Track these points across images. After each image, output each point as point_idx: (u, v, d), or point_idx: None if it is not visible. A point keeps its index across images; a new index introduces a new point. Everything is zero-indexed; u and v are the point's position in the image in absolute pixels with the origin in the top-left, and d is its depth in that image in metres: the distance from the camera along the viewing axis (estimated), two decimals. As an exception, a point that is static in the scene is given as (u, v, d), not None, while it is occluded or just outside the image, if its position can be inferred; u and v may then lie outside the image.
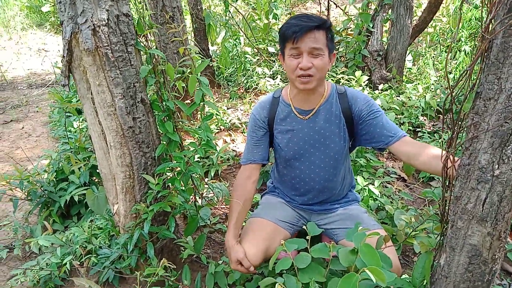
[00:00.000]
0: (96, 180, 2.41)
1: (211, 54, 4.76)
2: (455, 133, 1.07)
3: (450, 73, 4.49)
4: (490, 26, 0.88)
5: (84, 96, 1.49)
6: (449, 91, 0.99)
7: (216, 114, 3.59)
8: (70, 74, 1.47)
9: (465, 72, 0.93)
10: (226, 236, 1.63)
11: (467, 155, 1.03)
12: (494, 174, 0.97)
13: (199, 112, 1.72)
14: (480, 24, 0.88)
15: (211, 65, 4.52)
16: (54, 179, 2.39)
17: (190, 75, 1.56)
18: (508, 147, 0.93)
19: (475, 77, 0.99)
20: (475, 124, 0.98)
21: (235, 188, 1.74)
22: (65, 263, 1.78)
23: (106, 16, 1.33)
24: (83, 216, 2.36)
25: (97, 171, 1.73)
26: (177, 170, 1.60)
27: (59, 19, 1.37)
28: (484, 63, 0.93)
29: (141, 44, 1.50)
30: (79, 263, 1.79)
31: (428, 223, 1.73)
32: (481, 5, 0.88)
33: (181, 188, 1.66)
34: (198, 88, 1.61)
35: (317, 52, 1.45)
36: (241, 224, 1.71)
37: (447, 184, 1.19)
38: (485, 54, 0.92)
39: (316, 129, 1.64)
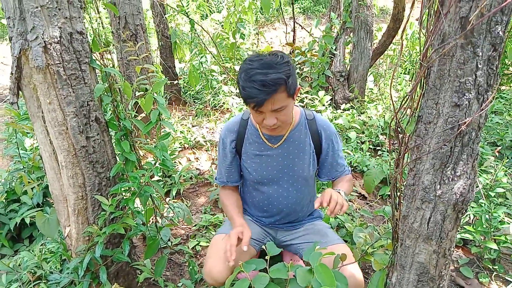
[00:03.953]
0: (51, 201, 2.30)
1: (177, 72, 4.75)
2: (402, 154, 1.11)
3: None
4: (428, 54, 0.94)
5: (34, 114, 1.43)
6: (393, 115, 1.04)
7: (180, 132, 3.56)
8: (20, 92, 1.41)
9: (406, 97, 0.98)
10: (235, 221, 1.64)
11: (411, 175, 1.07)
12: (437, 194, 1.01)
13: (157, 132, 1.70)
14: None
15: (176, 83, 4.50)
16: (4, 200, 2.27)
17: (147, 94, 1.55)
18: (448, 168, 0.98)
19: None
20: (417, 146, 1.02)
21: (223, 198, 1.78)
22: (11, 291, 1.67)
23: (58, 33, 1.30)
24: (35, 239, 2.24)
25: (50, 192, 1.66)
26: (132, 190, 1.56)
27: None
28: (423, 88, 0.98)
29: (96, 62, 1.48)
30: (26, 290, 1.69)
31: (384, 240, 1.77)
32: (419, 34, 0.93)
33: (136, 209, 1.62)
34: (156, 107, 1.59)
35: (280, 109, 1.41)
36: (242, 213, 1.73)
37: (396, 203, 1.23)
38: (424, 80, 0.97)
39: (285, 155, 1.64)
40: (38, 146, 2.65)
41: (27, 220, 2.11)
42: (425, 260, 1.11)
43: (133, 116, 1.63)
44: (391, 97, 0.98)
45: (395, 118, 1.03)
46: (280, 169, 1.65)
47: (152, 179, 1.59)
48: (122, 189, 1.55)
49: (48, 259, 1.82)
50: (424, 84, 0.98)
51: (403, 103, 1.00)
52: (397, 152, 1.16)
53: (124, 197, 1.61)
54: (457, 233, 1.10)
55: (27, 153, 2.53)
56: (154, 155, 1.61)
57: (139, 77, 1.57)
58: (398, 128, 1.08)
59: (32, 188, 2.17)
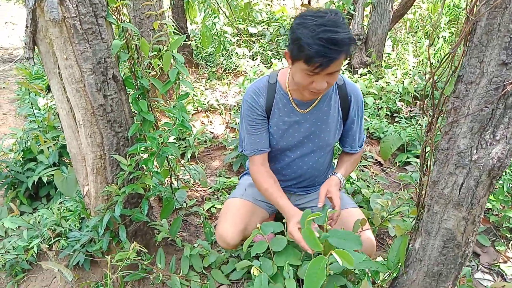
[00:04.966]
0: (67, 161, 2.31)
1: (189, 33, 4.62)
2: (435, 117, 1.06)
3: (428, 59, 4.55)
4: (475, 7, 0.86)
5: (50, 70, 1.39)
6: (430, 75, 0.97)
7: (194, 94, 3.50)
8: (35, 47, 1.36)
9: (448, 54, 0.91)
10: (289, 211, 1.49)
11: (446, 139, 1.02)
12: (472, 159, 0.97)
13: (175, 91, 1.65)
14: (461, 8, 0.86)
15: (189, 44, 4.38)
16: (21, 158, 2.28)
17: (165, 52, 1.49)
18: (487, 132, 0.92)
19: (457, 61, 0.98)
20: (455, 108, 0.96)
21: (259, 177, 1.61)
22: (33, 247, 1.71)
23: (73, -16, 1.23)
24: (53, 198, 2.27)
25: (68, 151, 1.65)
26: (151, 151, 1.54)
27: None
28: (467, 45, 0.91)
29: (113, 17, 1.41)
30: (47, 246, 1.72)
31: (403, 207, 1.75)
32: (467, -15, 0.85)
33: (154, 169, 1.60)
34: (173, 65, 1.54)
35: (336, 72, 1.32)
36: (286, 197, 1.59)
37: (424, 168, 1.19)
38: (469, 36, 0.90)
39: (313, 121, 1.57)
40: (52, 105, 2.64)
41: (44, 179, 2.13)
42: (453, 227, 1.09)
43: (149, 74, 1.58)
44: (428, 53, 0.92)
45: (432, 78, 0.97)
46: (307, 135, 1.59)
47: (168, 141, 1.55)
48: (141, 149, 1.53)
49: (67, 217, 1.84)
50: (468, 41, 0.91)
51: (442, 62, 0.93)
52: (421, 116, 1.10)
53: (142, 158, 1.59)
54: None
55: (41, 113, 2.52)
56: (172, 116, 1.57)
57: (156, 34, 1.50)
58: (433, 90, 1.02)
59: (48, 148, 2.18)
